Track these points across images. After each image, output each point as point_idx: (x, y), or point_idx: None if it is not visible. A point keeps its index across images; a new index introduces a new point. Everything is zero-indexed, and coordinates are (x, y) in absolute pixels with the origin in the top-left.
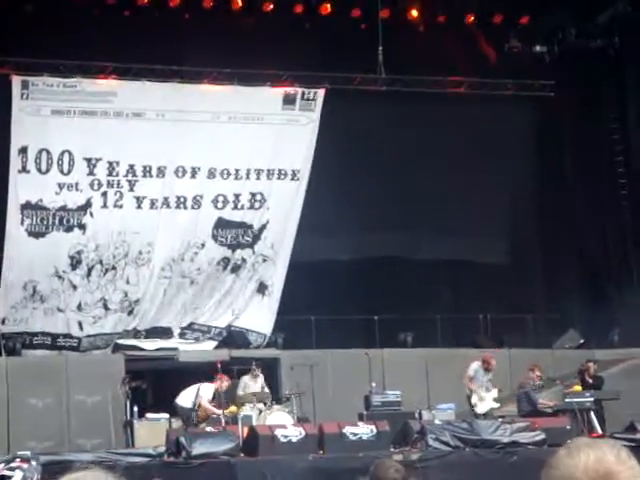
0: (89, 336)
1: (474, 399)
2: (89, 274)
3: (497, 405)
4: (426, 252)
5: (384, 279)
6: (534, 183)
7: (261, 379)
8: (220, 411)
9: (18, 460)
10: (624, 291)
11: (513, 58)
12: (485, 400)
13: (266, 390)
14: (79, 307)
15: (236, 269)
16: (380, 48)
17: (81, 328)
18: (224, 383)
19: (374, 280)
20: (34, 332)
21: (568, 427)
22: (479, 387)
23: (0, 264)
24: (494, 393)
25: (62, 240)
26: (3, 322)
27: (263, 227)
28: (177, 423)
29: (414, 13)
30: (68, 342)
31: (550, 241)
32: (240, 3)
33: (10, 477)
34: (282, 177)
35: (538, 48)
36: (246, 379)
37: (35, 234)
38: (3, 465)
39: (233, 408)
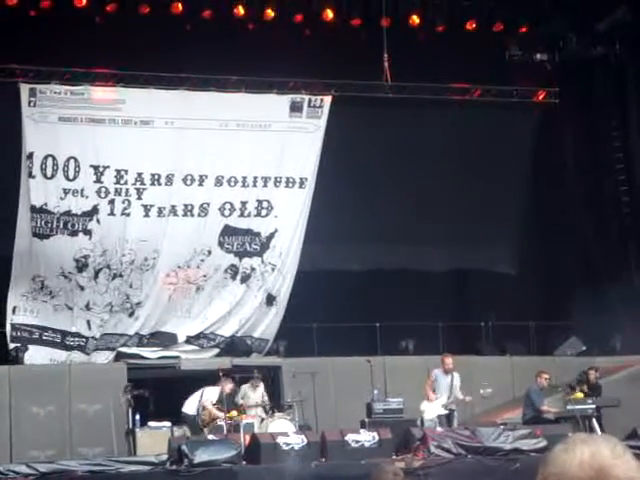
0: (94, 338)
1: (423, 405)
2: (96, 276)
3: (445, 412)
4: (428, 261)
5: (386, 287)
6: (536, 191)
7: (261, 389)
8: (222, 414)
9: None
10: (626, 298)
11: (514, 65)
12: (433, 407)
13: (265, 399)
14: (87, 306)
15: (246, 279)
16: (385, 55)
17: (89, 327)
18: (228, 386)
19: (375, 288)
20: (44, 326)
21: (570, 434)
22: (441, 391)
23: (11, 258)
24: (443, 400)
25: (66, 243)
26: (14, 311)
27: (272, 235)
28: (179, 431)
29: (414, 21)
30: (77, 342)
31: (552, 248)
32: (241, 11)
33: None
34: (290, 185)
35: (539, 56)
36: (246, 388)
37: (40, 235)
38: None
39: (234, 413)
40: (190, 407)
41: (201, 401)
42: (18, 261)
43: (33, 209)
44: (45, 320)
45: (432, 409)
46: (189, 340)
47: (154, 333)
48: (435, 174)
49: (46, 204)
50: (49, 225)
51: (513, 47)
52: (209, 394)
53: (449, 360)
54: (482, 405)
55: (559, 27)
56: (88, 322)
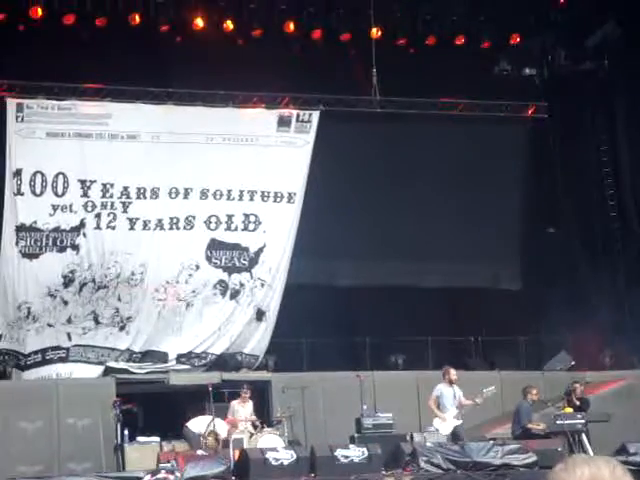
0: (78, 346)
1: (436, 422)
2: (80, 290)
3: (460, 422)
4: (417, 277)
5: (374, 302)
6: (524, 205)
7: (250, 404)
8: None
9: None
10: (615, 313)
11: (503, 80)
12: (446, 421)
13: (254, 417)
14: (69, 320)
15: (235, 295)
16: (374, 70)
17: (69, 338)
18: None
19: (364, 303)
20: (26, 353)
21: (560, 449)
22: (449, 405)
23: None
24: (453, 412)
25: (55, 260)
26: (0, 338)
27: (260, 250)
28: (168, 446)
29: (403, 36)
30: (57, 354)
31: (540, 263)
32: (230, 26)
33: None
34: (278, 200)
35: (527, 71)
36: (235, 404)
37: (29, 255)
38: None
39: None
40: (197, 426)
41: (208, 428)
42: (4, 286)
43: (21, 228)
44: (27, 346)
45: (446, 424)
46: (180, 359)
47: (145, 353)
48: (424, 189)
49: (35, 222)
50: (38, 243)
51: (502, 62)
52: (220, 428)
53: (454, 371)
54: (474, 419)
55: (548, 42)
56: (68, 334)
